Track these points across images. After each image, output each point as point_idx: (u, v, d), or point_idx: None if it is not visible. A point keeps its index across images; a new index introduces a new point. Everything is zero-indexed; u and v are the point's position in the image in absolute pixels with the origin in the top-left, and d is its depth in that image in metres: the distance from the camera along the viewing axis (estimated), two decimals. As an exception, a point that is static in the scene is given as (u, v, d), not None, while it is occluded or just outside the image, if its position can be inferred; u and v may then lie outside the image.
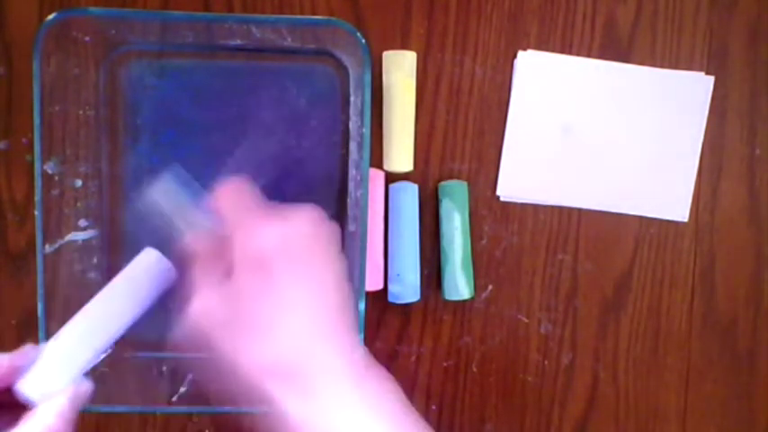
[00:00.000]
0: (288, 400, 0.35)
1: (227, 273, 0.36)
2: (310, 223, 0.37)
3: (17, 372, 0.36)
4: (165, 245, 0.54)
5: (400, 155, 0.53)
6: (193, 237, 0.40)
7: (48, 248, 0.47)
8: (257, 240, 0.36)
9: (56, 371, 0.37)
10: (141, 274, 0.41)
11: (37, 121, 0.46)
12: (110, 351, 0.53)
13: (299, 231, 0.37)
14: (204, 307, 0.36)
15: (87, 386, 0.38)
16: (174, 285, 0.41)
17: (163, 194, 0.40)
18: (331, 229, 0.39)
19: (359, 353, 0.37)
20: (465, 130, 0.55)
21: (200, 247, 0.39)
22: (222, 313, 0.36)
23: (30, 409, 0.36)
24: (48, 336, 0.47)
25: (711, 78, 0.55)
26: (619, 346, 0.57)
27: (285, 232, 0.36)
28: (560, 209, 0.56)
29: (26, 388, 0.36)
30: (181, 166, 0.42)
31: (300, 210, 0.38)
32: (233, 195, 0.39)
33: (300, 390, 0.35)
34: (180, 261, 0.40)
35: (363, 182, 0.47)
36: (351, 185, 0.53)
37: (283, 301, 0.36)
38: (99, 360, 0.40)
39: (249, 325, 0.35)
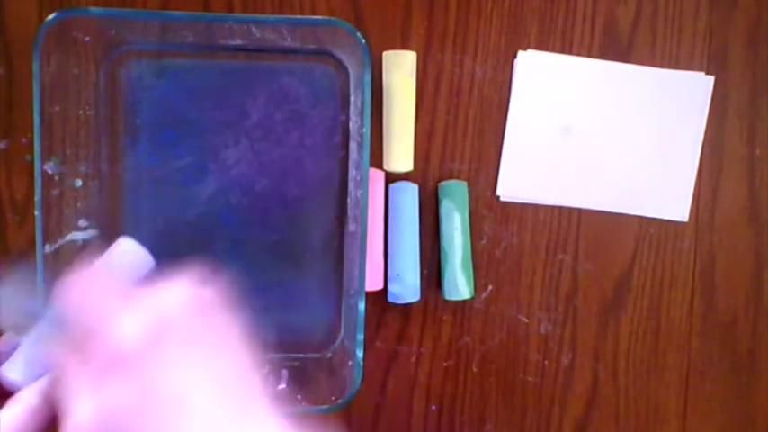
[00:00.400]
0: None
1: (102, 377, 0.30)
2: (182, 295, 0.32)
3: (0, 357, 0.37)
4: (166, 240, 0.54)
5: (400, 155, 0.53)
6: (52, 347, 0.33)
7: (48, 248, 0.47)
8: (120, 335, 0.30)
9: (36, 355, 0.38)
10: (118, 261, 0.41)
11: (37, 121, 0.46)
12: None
13: (170, 308, 0.31)
14: (81, 422, 0.30)
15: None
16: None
17: (7, 303, 0.35)
18: (211, 294, 0.33)
19: (279, 427, 0.31)
20: (465, 130, 0.55)
21: (64, 359, 0.32)
22: (104, 427, 0.29)
23: (14, 393, 0.35)
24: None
25: (711, 78, 0.55)
26: (619, 346, 0.57)
27: (153, 314, 0.30)
28: (560, 209, 0.56)
29: (9, 372, 0.37)
30: (26, 269, 0.38)
31: (168, 283, 0.32)
32: (83, 287, 0.33)
33: None
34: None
35: (363, 182, 0.47)
36: (351, 185, 0.53)
37: (170, 398, 0.29)
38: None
39: None
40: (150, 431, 0.29)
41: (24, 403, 0.34)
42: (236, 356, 0.32)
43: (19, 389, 0.35)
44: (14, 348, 0.37)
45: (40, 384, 0.35)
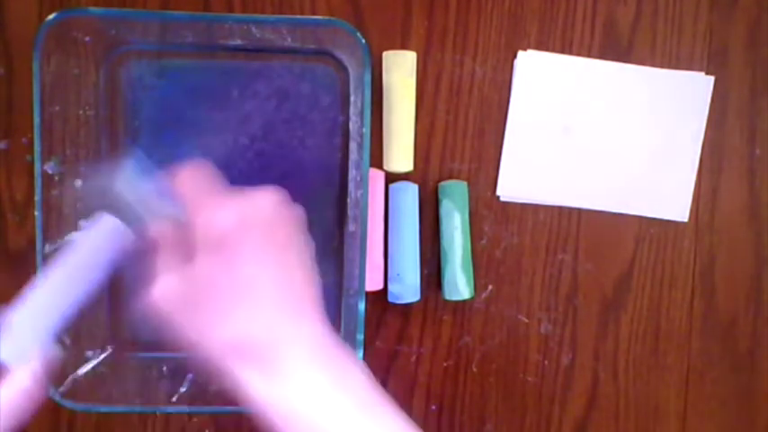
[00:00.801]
0: (252, 381, 0.35)
1: (190, 257, 0.36)
2: (270, 204, 0.37)
3: None
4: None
5: (400, 155, 0.53)
6: (155, 224, 0.39)
7: (48, 248, 0.47)
8: (216, 221, 0.36)
9: (26, 336, 0.38)
10: (99, 238, 0.41)
11: (37, 121, 0.46)
12: (110, 350, 0.53)
13: (259, 211, 0.36)
14: (164, 289, 0.36)
15: (56, 350, 0.39)
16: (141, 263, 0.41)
17: (125, 184, 0.40)
18: (294, 211, 0.38)
19: (325, 332, 0.36)
20: (465, 130, 0.55)
21: (163, 234, 0.39)
22: (183, 295, 0.36)
23: (3, 374, 0.37)
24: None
25: (711, 78, 0.55)
26: (619, 346, 0.57)
27: (244, 212, 0.36)
28: (560, 209, 0.56)
29: (1, 353, 0.37)
30: (142, 153, 0.42)
31: (261, 191, 0.37)
32: (191, 179, 0.39)
33: (265, 370, 0.34)
34: (145, 249, 0.40)
35: (363, 182, 0.47)
36: (351, 185, 0.53)
37: (244, 280, 0.35)
38: (66, 323, 0.41)
39: (211, 305, 0.35)
40: (222, 303, 0.35)
41: (18, 385, 0.36)
42: (302, 268, 0.37)
43: (9, 368, 0.36)
44: (3, 330, 0.38)
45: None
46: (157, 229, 0.39)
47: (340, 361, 0.36)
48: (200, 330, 0.36)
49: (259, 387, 0.34)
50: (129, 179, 0.40)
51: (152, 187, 0.40)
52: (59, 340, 0.41)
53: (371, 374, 0.37)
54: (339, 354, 0.36)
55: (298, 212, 0.39)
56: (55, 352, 0.39)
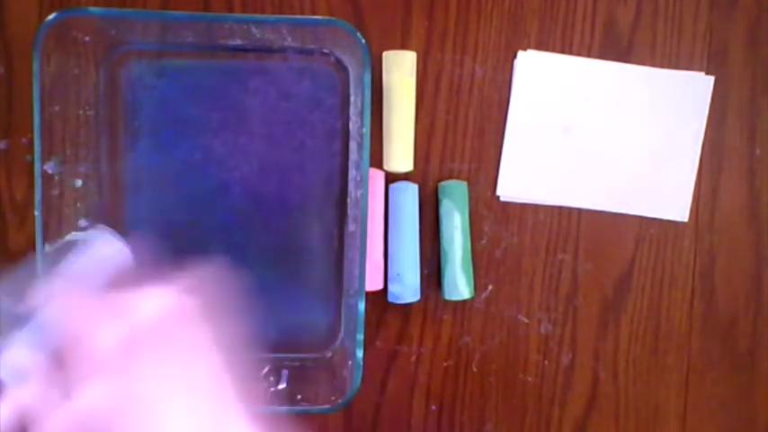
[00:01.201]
0: None
1: (74, 392, 0.30)
2: (157, 307, 0.32)
3: None
4: (166, 240, 0.54)
5: (400, 155, 0.53)
6: (24, 361, 0.33)
7: (48, 248, 0.47)
8: (95, 343, 0.30)
9: (26, 353, 0.37)
10: (97, 257, 0.41)
11: (37, 121, 0.46)
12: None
13: (145, 320, 0.31)
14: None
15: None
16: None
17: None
18: (186, 305, 0.33)
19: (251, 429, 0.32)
20: (465, 130, 0.55)
21: (35, 370, 0.33)
22: None
23: (3, 391, 0.34)
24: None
25: (711, 78, 0.55)
26: (619, 346, 0.56)
27: (128, 325, 0.31)
28: (560, 209, 0.56)
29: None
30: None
31: (146, 294, 0.32)
32: (61, 297, 0.33)
33: None
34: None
35: (363, 182, 0.47)
36: (351, 185, 0.53)
37: (144, 403, 0.30)
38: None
39: None
40: None
41: (17, 403, 0.33)
42: (212, 368, 0.32)
43: (8, 386, 0.36)
44: (2, 348, 0.37)
45: (32, 386, 0.35)
46: (36, 357, 0.33)
47: None
48: None
49: None
50: None
51: (16, 321, 0.35)
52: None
53: None
54: None
55: (188, 303, 0.33)
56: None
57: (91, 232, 0.41)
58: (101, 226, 0.42)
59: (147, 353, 0.31)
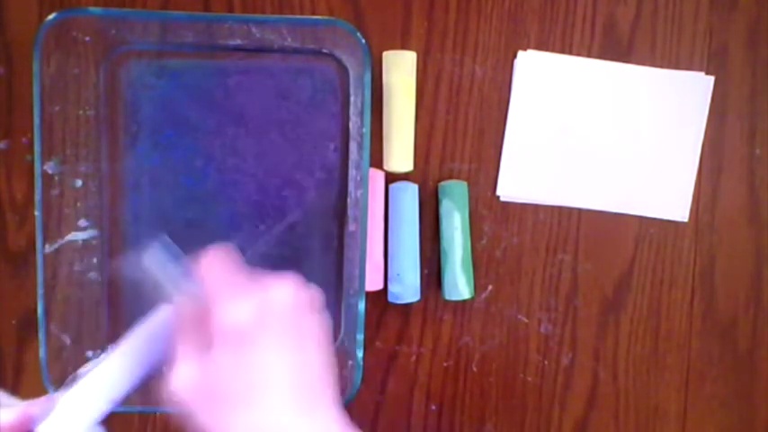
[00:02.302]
0: None
1: (209, 345, 0.36)
2: (287, 295, 0.37)
3: (32, 420, 0.37)
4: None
5: (400, 155, 0.53)
6: (177, 306, 0.40)
7: (48, 248, 0.47)
8: (233, 314, 0.36)
9: (71, 420, 0.38)
10: (157, 329, 0.41)
11: (37, 121, 0.46)
12: (110, 350, 0.53)
13: (277, 302, 0.37)
14: (182, 379, 0.36)
15: None
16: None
17: (153, 262, 0.41)
18: (311, 296, 0.39)
19: (340, 424, 0.36)
20: (465, 130, 0.55)
21: (184, 316, 0.39)
22: (199, 386, 0.36)
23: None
24: (47, 335, 0.47)
25: (711, 78, 0.55)
26: (619, 346, 0.57)
27: (261, 305, 0.36)
28: (560, 209, 0.56)
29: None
30: (168, 237, 0.42)
31: (278, 281, 0.38)
32: (214, 266, 0.39)
33: None
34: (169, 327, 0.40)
35: (363, 182, 0.47)
36: (351, 185, 0.53)
37: (260, 375, 0.35)
38: (112, 409, 0.41)
39: (226, 399, 0.35)
40: (237, 398, 0.35)
41: (178, 310, 0.39)
42: (320, 357, 0.37)
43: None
44: (48, 412, 0.38)
45: (179, 331, 0.38)
46: (179, 309, 0.39)
47: None
48: (215, 422, 0.35)
49: None
50: (156, 259, 0.41)
51: (178, 269, 0.40)
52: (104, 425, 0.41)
53: None
54: None
55: (314, 296, 0.39)
56: None
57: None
58: (164, 306, 0.42)
59: (272, 331, 0.36)
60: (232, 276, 0.38)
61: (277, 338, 0.36)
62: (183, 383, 0.36)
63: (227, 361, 0.35)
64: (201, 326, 0.37)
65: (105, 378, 0.40)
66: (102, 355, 0.40)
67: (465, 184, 0.54)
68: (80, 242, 0.51)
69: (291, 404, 0.35)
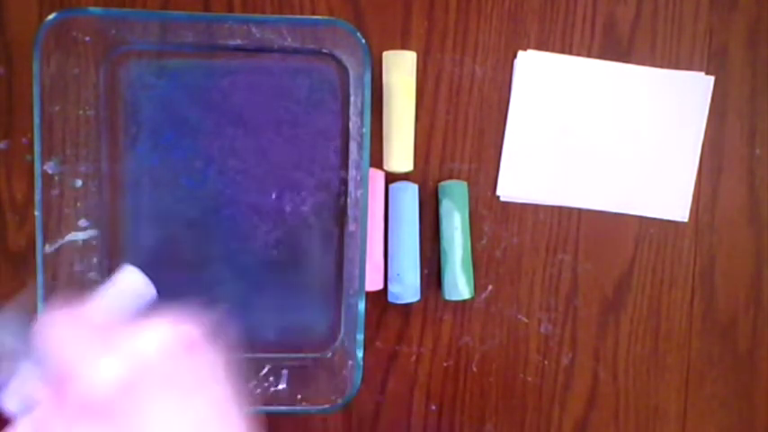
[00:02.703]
0: None
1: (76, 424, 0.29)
2: (161, 336, 0.30)
3: None
4: (166, 240, 0.54)
5: (400, 155, 0.53)
6: (30, 388, 0.32)
7: (48, 248, 0.47)
8: (97, 378, 0.29)
9: (34, 384, 0.38)
10: (120, 292, 0.41)
11: (37, 121, 0.46)
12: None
13: (149, 351, 0.29)
14: None
15: None
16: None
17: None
18: (190, 332, 0.31)
19: None
20: (465, 130, 0.55)
21: (37, 398, 0.31)
22: None
23: (11, 422, 0.33)
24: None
25: (711, 78, 0.55)
26: (619, 346, 0.57)
27: (130, 358, 0.29)
28: (560, 209, 0.56)
29: (7, 402, 0.37)
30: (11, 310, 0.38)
31: (147, 324, 0.31)
32: (59, 328, 0.31)
33: None
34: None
35: (363, 182, 0.47)
36: (351, 185, 0.53)
37: None
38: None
39: None
40: None
41: None
42: (218, 399, 0.31)
43: (15, 416, 0.35)
44: (11, 377, 0.37)
45: (36, 414, 0.34)
46: (35, 391, 0.32)
47: None
48: None
49: None
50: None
51: (20, 344, 0.35)
52: None
53: None
54: None
55: (193, 336, 0.32)
56: None
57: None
58: (128, 266, 0.41)
59: (147, 387, 0.29)
60: (87, 333, 0.31)
61: (155, 395, 0.29)
62: None
63: None
64: (63, 401, 0.30)
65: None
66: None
67: (465, 184, 0.54)
68: (80, 242, 0.51)
69: None
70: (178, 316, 0.31)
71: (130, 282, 0.41)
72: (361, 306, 0.48)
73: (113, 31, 0.50)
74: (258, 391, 0.51)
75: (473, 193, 0.55)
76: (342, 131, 0.53)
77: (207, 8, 0.53)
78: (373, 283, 0.53)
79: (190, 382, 0.30)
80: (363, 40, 0.46)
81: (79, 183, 0.51)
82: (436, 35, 0.54)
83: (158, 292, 0.43)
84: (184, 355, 0.31)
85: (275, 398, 0.51)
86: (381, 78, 0.53)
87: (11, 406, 0.36)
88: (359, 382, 0.48)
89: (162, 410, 0.29)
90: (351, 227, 0.52)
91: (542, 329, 0.56)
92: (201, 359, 0.31)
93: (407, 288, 0.53)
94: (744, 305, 0.57)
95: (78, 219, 0.51)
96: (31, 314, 0.37)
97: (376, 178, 0.53)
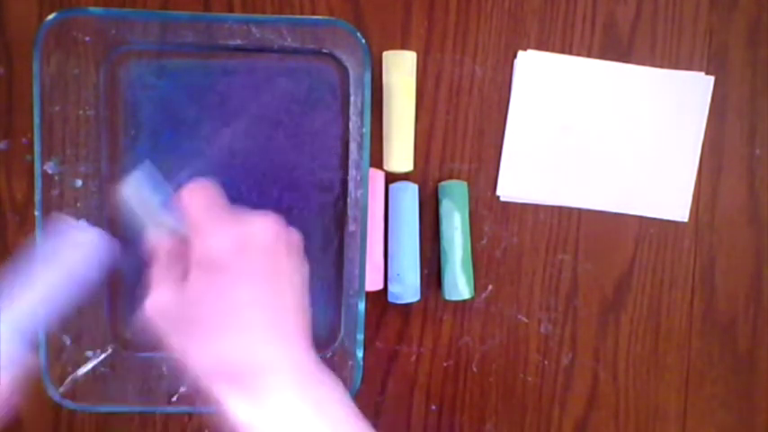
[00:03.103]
0: (235, 404, 0.35)
1: (186, 274, 0.37)
2: (266, 230, 0.38)
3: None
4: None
5: (400, 155, 0.53)
6: (156, 235, 0.40)
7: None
8: (212, 245, 0.36)
9: (5, 344, 0.38)
10: (70, 247, 0.42)
11: (37, 121, 0.46)
12: (110, 350, 0.53)
13: (255, 238, 0.37)
14: (156, 304, 0.37)
15: (30, 357, 0.40)
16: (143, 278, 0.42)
17: (133, 191, 0.41)
18: (290, 237, 0.39)
19: (309, 359, 0.37)
20: (465, 130, 0.55)
21: (162, 246, 0.40)
22: (174, 312, 0.37)
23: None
24: (47, 335, 0.47)
25: (711, 78, 0.55)
26: (619, 346, 0.57)
27: (240, 238, 0.37)
28: (560, 209, 0.56)
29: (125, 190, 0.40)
30: (152, 164, 0.42)
31: (259, 217, 0.38)
32: (197, 197, 0.39)
33: (247, 392, 0.35)
34: (145, 258, 0.41)
35: (363, 182, 0.47)
36: (351, 185, 0.53)
37: (233, 304, 0.36)
38: (46, 332, 0.42)
39: (199, 326, 0.36)
40: (209, 326, 0.36)
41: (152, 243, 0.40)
42: (292, 298, 0.38)
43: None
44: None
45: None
46: (157, 240, 0.40)
47: (322, 388, 0.36)
48: (187, 349, 0.36)
49: (241, 410, 0.35)
50: (137, 188, 0.41)
51: (158, 199, 0.41)
52: (37, 349, 0.42)
53: (352, 404, 0.37)
54: (322, 381, 0.37)
55: (294, 238, 0.40)
56: (29, 358, 0.40)
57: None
58: (79, 222, 0.43)
59: (250, 263, 0.36)
60: (213, 210, 0.39)
61: (252, 272, 0.36)
62: (156, 309, 0.37)
63: (201, 288, 0.36)
64: (179, 256, 0.38)
65: (34, 301, 0.40)
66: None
67: (465, 184, 0.54)
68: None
69: (261, 336, 0.36)
70: (281, 222, 0.38)
71: (79, 235, 0.42)
72: (361, 306, 0.48)
73: (113, 31, 0.50)
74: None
75: (473, 193, 0.55)
76: (342, 131, 0.53)
77: (207, 8, 0.53)
78: (373, 283, 0.53)
79: (280, 272, 0.37)
80: (363, 40, 0.46)
81: (79, 183, 0.51)
82: (436, 35, 0.54)
83: None
84: (282, 249, 0.38)
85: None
86: (381, 78, 0.53)
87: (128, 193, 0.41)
88: (359, 382, 0.48)
89: (253, 285, 0.36)
90: (351, 227, 0.52)
91: (542, 329, 0.56)
92: (292, 259, 0.39)
93: (407, 288, 0.53)
94: (744, 305, 0.57)
95: (78, 219, 0.51)
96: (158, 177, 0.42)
97: (376, 178, 0.53)
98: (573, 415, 0.57)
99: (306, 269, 0.41)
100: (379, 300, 0.55)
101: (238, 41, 0.51)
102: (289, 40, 0.51)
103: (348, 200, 0.53)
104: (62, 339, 0.49)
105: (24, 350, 0.39)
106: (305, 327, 0.38)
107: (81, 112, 0.50)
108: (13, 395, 0.37)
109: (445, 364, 0.56)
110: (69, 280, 0.41)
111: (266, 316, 0.36)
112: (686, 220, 0.56)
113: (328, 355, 0.54)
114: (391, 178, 0.54)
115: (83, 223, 0.43)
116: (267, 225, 0.38)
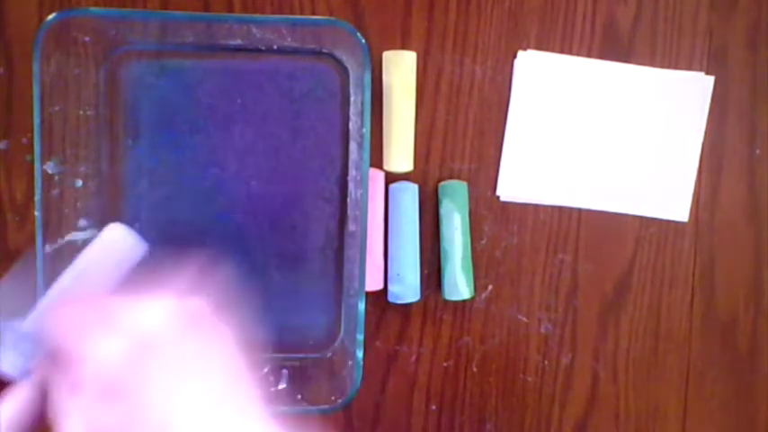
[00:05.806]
0: None
1: (84, 411, 0.29)
2: (163, 312, 0.30)
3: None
4: (166, 240, 0.54)
5: (400, 155, 0.53)
6: (38, 368, 0.33)
7: (48, 248, 0.47)
8: (101, 357, 0.29)
9: (29, 347, 0.37)
10: (107, 250, 0.41)
11: (37, 121, 0.46)
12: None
13: (152, 328, 0.30)
14: None
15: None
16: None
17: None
18: (193, 307, 0.32)
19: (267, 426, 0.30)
20: (465, 130, 0.55)
21: (49, 379, 0.32)
22: None
23: (8, 385, 0.34)
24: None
25: (711, 78, 0.55)
26: (619, 346, 0.57)
27: (133, 336, 0.30)
28: (560, 209, 0.56)
29: (2, 365, 0.36)
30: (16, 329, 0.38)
31: (150, 299, 0.31)
32: (63, 319, 0.32)
33: None
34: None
35: (363, 182, 0.47)
36: (351, 185, 0.53)
37: (162, 417, 0.28)
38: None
39: None
40: None
41: (22, 395, 0.33)
42: (226, 368, 0.31)
43: (12, 380, 0.35)
44: (6, 341, 0.36)
45: (35, 376, 0.34)
46: (42, 373, 0.33)
47: None
48: None
49: None
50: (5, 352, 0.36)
51: (22, 350, 0.36)
52: None
53: None
54: None
55: (195, 307, 0.32)
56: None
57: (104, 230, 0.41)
58: (113, 224, 0.41)
59: (154, 363, 0.29)
60: (88, 314, 0.31)
61: (163, 369, 0.29)
62: None
63: (113, 416, 0.28)
64: (73, 383, 0.30)
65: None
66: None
67: (465, 184, 0.54)
68: (80, 242, 0.51)
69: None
70: (179, 288, 0.32)
71: (117, 238, 0.40)
72: (361, 306, 0.48)
73: (113, 31, 0.50)
74: (258, 391, 0.51)
75: (473, 194, 0.55)
76: (342, 131, 0.53)
77: (207, 8, 0.53)
78: (373, 283, 0.53)
79: (196, 356, 0.30)
80: (363, 40, 0.46)
81: (79, 183, 0.51)
82: (436, 35, 0.54)
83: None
84: (188, 327, 0.30)
85: (275, 398, 0.51)
86: (381, 78, 0.53)
87: (7, 369, 0.35)
88: (359, 382, 0.48)
89: (169, 388, 0.29)
90: (351, 227, 0.52)
91: (542, 329, 0.56)
92: (206, 330, 0.31)
93: (407, 288, 0.53)
94: (744, 305, 0.57)
95: (78, 219, 0.51)
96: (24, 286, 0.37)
97: (376, 178, 0.53)
98: (573, 415, 0.57)
99: (226, 329, 0.33)
100: (379, 300, 0.55)
101: (238, 41, 0.51)
102: (289, 40, 0.51)
103: (348, 200, 0.53)
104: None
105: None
106: (253, 400, 0.31)
107: (81, 112, 0.50)
108: (40, 402, 0.32)
109: (445, 364, 0.56)
110: (94, 281, 0.40)
111: (200, 421, 0.29)
112: (686, 220, 0.56)
113: (328, 355, 0.54)
114: (391, 178, 0.54)
115: (118, 226, 0.41)
116: (160, 308, 0.30)
